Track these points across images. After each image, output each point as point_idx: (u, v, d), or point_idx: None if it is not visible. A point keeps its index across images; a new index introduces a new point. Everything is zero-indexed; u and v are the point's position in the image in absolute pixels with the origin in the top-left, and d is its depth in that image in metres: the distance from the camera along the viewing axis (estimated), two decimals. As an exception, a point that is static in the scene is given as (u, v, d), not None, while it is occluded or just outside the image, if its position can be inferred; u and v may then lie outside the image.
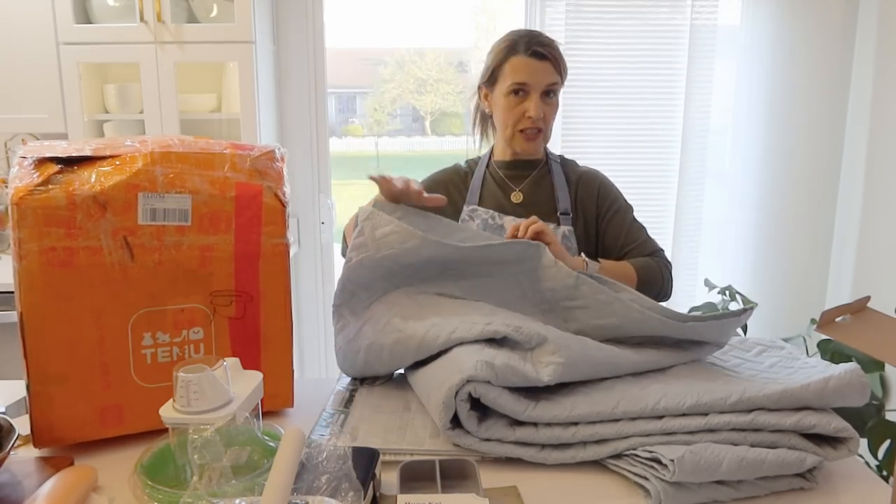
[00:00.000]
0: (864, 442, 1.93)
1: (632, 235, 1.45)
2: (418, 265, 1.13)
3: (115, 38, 2.26)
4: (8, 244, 2.20)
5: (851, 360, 1.79)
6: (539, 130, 1.42)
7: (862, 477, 0.89)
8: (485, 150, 1.57)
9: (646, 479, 0.83)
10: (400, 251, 1.10)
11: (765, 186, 2.80)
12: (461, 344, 1.00)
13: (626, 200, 1.50)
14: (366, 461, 0.79)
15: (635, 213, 1.50)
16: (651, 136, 2.77)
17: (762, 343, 1.16)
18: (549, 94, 1.41)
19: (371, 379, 1.17)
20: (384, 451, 0.87)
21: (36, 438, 0.90)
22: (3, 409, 1.04)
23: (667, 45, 2.70)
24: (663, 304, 1.16)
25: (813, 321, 2.43)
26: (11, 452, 0.80)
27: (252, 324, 1.00)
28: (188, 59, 2.30)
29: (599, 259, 1.36)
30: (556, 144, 2.73)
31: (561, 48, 1.43)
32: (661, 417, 0.89)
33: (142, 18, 2.22)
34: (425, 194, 1.20)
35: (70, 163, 0.89)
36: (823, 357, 2.23)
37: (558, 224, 1.42)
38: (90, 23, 2.33)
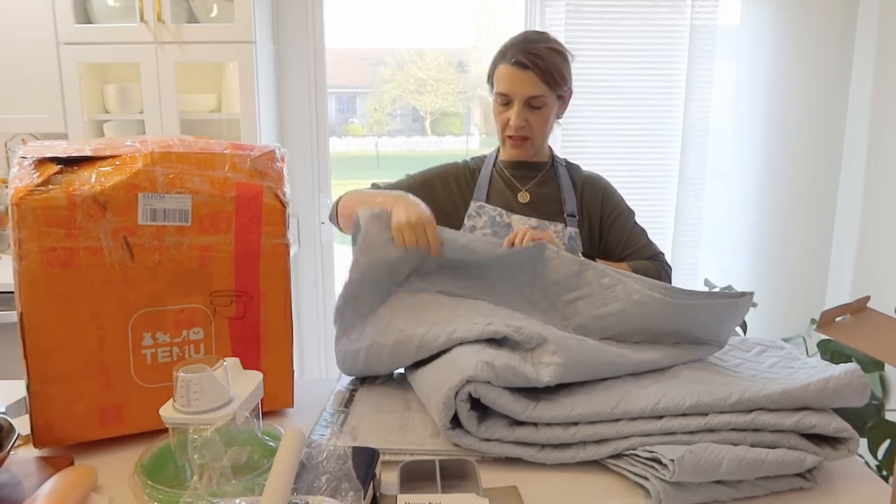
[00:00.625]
0: (863, 442, 1.93)
1: (633, 239, 1.46)
2: (420, 265, 1.16)
3: (115, 38, 2.26)
4: (8, 244, 2.19)
5: (851, 360, 1.79)
6: (525, 138, 1.41)
7: (862, 477, 0.89)
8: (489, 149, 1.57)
9: (646, 478, 0.83)
10: (406, 252, 1.13)
11: (765, 186, 2.80)
12: (461, 344, 1.01)
13: (627, 205, 1.51)
14: (366, 461, 0.79)
15: (636, 216, 1.51)
16: (651, 135, 2.77)
17: (762, 343, 1.16)
18: (534, 103, 1.36)
19: (371, 379, 1.17)
20: (384, 451, 0.87)
21: (36, 438, 0.90)
22: (3, 409, 1.04)
23: (667, 46, 2.70)
24: None
25: (813, 321, 2.43)
26: (11, 452, 0.80)
27: (252, 324, 1.00)
28: (188, 59, 2.29)
29: (598, 260, 1.36)
30: (557, 144, 2.73)
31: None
32: (661, 417, 0.89)
33: (142, 18, 2.22)
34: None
35: (70, 163, 0.89)
36: (823, 357, 2.23)
37: (565, 225, 1.42)
38: (90, 23, 2.32)
